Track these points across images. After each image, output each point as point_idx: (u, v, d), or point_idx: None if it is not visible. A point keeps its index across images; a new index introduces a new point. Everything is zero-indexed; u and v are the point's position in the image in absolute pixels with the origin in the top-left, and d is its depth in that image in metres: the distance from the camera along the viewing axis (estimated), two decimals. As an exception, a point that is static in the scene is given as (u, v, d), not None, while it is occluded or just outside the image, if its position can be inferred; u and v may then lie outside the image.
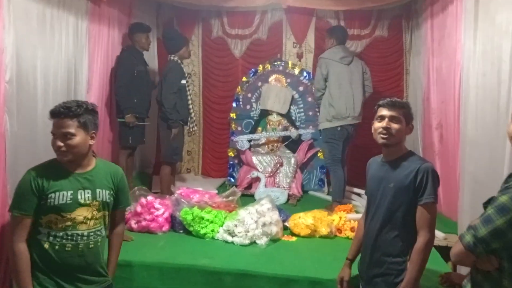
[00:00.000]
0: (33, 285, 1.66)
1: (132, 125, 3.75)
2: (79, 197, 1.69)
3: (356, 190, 3.96)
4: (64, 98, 3.26)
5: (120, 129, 3.83)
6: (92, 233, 1.73)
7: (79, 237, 1.70)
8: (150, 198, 2.86)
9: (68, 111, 1.65)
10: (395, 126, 1.72)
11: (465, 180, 2.75)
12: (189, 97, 3.92)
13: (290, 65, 4.37)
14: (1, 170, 2.40)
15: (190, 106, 3.92)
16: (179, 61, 3.84)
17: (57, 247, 1.67)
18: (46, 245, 1.66)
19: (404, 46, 4.45)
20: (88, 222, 1.71)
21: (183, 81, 3.81)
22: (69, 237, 1.68)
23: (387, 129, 1.72)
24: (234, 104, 4.43)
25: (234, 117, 4.41)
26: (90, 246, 1.72)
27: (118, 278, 2.28)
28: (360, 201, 3.56)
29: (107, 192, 1.77)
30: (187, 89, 3.89)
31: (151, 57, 4.56)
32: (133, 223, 2.77)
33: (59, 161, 1.71)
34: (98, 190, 1.74)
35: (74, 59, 3.38)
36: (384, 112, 1.76)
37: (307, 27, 4.53)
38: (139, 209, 2.79)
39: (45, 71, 3.02)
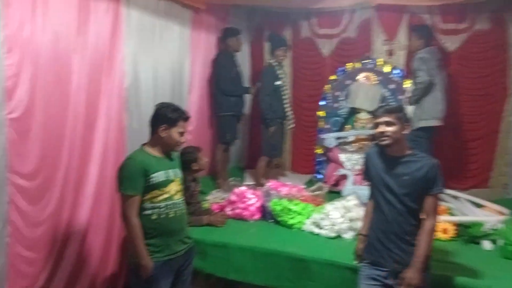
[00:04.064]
0: (150, 250, 2.04)
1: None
2: (170, 174, 2.13)
3: (453, 192, 3.77)
4: (169, 98, 3.67)
5: (218, 126, 4.20)
6: (181, 202, 2.19)
7: (176, 205, 2.13)
8: (243, 188, 3.11)
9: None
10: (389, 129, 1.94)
11: None
12: (284, 97, 4.14)
13: (380, 63, 4.32)
14: (122, 158, 2.84)
15: (286, 105, 4.15)
16: (274, 63, 4.10)
17: (162, 216, 2.07)
18: (154, 216, 2.05)
19: (508, 40, 4.09)
20: (178, 193, 2.17)
21: (278, 82, 4.09)
22: (169, 206, 2.10)
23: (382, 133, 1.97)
24: (322, 103, 4.52)
25: (322, 115, 4.50)
26: (183, 212, 2.20)
27: (217, 257, 2.57)
28: (455, 203, 3.40)
29: (179, 170, 2.26)
30: (282, 89, 4.13)
31: (244, 59, 4.87)
32: (228, 210, 3.04)
33: (148, 149, 2.15)
34: (177, 169, 2.21)
35: (178, 63, 3.79)
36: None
37: (398, 23, 4.43)
38: (233, 197, 3.06)
39: (154, 75, 3.45)
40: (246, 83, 4.43)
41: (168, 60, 3.63)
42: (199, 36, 4.08)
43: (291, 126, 4.30)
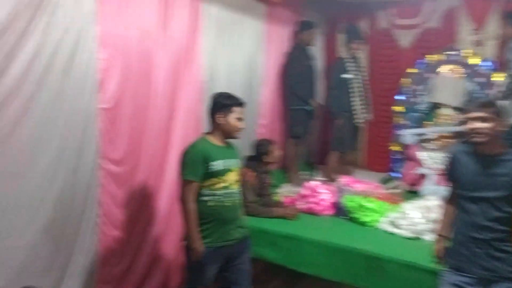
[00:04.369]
0: (203, 235, 2.12)
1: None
2: (228, 164, 2.18)
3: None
4: (244, 91, 3.73)
5: (288, 120, 4.21)
6: (238, 193, 2.24)
7: (232, 194, 2.18)
8: (315, 182, 3.06)
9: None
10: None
11: None
12: (352, 90, 4.03)
13: (467, 54, 3.99)
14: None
15: (354, 99, 4.03)
16: (345, 56, 4.06)
17: (218, 204, 2.14)
18: (211, 203, 2.12)
19: None
20: (235, 183, 2.22)
21: (345, 75, 4.02)
22: (226, 195, 2.15)
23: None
24: (399, 97, 4.30)
25: (400, 110, 4.28)
26: (239, 202, 2.25)
27: (288, 249, 2.57)
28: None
29: (238, 160, 2.31)
30: (351, 82, 4.02)
31: (318, 52, 4.79)
32: (299, 204, 3.02)
33: (208, 137, 2.22)
34: (236, 159, 2.27)
35: (253, 57, 3.83)
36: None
37: (488, 11, 4.05)
38: (305, 191, 3.03)
39: (230, 69, 3.52)
40: (317, 77, 4.36)
41: (243, 54, 3.69)
42: (273, 30, 4.09)
43: (359, 120, 4.14)
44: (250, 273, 2.33)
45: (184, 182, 2.14)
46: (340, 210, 2.94)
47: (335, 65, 4.14)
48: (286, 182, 3.93)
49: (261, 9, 3.88)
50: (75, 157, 2.33)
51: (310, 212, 2.97)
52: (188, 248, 2.16)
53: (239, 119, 2.21)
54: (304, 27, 4.18)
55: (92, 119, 2.41)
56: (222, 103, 2.21)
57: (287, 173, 4.15)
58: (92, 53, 2.36)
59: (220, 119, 2.20)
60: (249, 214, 2.79)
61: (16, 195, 2.07)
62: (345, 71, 4.03)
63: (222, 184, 2.15)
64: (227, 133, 2.23)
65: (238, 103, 2.23)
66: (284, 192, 3.47)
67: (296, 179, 3.89)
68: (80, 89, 2.32)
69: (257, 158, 3.00)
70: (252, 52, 3.82)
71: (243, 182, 2.83)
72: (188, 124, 3.04)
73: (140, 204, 2.72)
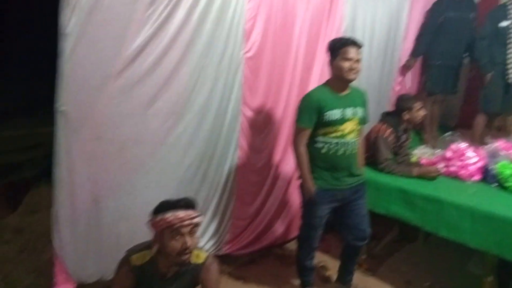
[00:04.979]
0: (314, 176, 2.19)
1: (408, 65, 3.77)
2: (347, 113, 2.14)
3: None
4: (383, 44, 3.51)
5: (425, 75, 3.90)
6: (353, 142, 2.19)
7: (347, 144, 2.15)
8: (463, 145, 2.77)
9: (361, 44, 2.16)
10: None
11: None
12: (509, 41, 3.46)
13: None
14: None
15: (509, 51, 3.46)
16: (508, 1, 3.48)
17: (331, 152, 2.16)
18: (324, 150, 2.14)
19: None
20: (352, 133, 2.17)
21: (504, 24, 3.46)
22: (340, 144, 2.14)
23: None
24: None
25: None
26: (353, 152, 2.20)
27: (427, 211, 2.42)
28: None
29: (361, 109, 2.22)
30: (508, 31, 3.46)
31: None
32: (441, 167, 2.78)
33: (328, 85, 2.20)
34: (357, 109, 2.19)
35: (397, 9, 3.54)
36: None
37: None
38: (449, 154, 2.77)
39: (372, 19, 3.32)
40: (469, 30, 3.80)
41: (386, 6, 3.43)
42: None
43: (510, 76, 3.50)
44: (367, 217, 2.36)
45: (297, 128, 2.20)
46: (490, 177, 2.62)
47: (492, 12, 3.59)
48: (420, 143, 3.65)
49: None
50: (222, 101, 2.50)
51: (454, 176, 2.71)
52: (302, 187, 2.26)
53: (348, 59, 2.09)
54: None
55: (237, 67, 2.53)
56: (331, 48, 2.17)
57: (423, 134, 3.85)
58: (241, 3, 2.44)
59: (331, 65, 2.17)
60: (383, 171, 2.69)
61: (174, 131, 2.33)
62: (504, 19, 3.47)
63: (337, 134, 2.14)
64: (340, 79, 2.16)
65: (346, 43, 2.12)
66: (421, 153, 3.23)
67: (433, 141, 3.59)
68: (228, 38, 2.44)
69: (397, 115, 2.83)
70: (396, 4, 3.52)
71: (379, 138, 2.74)
72: (324, 76, 2.97)
73: (274, 151, 2.84)
